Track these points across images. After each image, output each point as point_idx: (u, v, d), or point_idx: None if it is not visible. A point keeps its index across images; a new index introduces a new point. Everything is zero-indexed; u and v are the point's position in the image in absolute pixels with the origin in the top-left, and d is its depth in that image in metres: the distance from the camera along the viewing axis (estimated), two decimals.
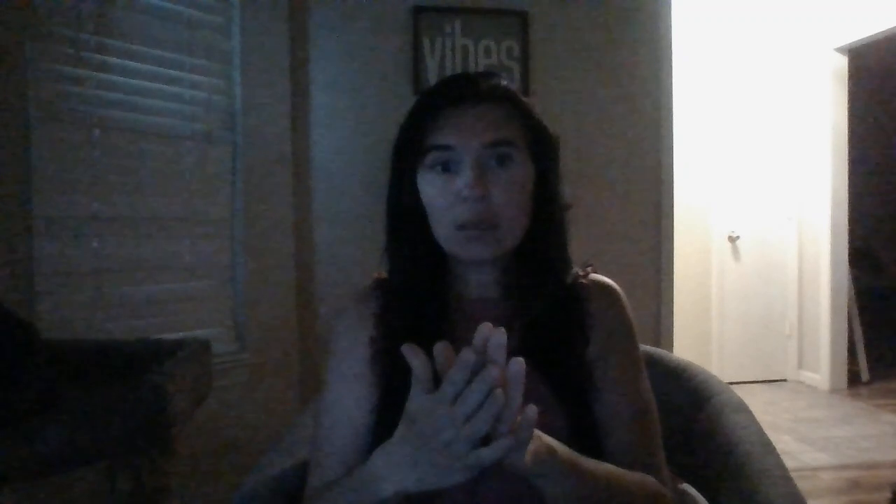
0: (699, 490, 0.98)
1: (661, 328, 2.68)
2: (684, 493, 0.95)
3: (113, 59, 1.82)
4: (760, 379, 4.32)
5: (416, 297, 0.79)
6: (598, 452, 0.73)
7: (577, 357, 0.76)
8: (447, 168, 0.75)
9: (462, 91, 0.76)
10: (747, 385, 4.19)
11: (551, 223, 0.79)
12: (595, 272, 0.85)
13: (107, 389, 1.22)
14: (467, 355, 0.55)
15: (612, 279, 0.85)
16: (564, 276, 0.81)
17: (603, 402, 0.76)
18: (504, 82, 0.79)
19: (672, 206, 2.68)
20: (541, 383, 0.73)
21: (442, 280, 0.81)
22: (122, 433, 1.17)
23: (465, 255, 0.76)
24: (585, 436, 0.72)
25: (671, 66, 2.68)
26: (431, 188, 0.75)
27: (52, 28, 1.69)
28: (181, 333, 1.88)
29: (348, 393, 0.77)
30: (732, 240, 4.27)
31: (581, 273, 0.83)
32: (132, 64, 1.87)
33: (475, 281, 0.80)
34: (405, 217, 0.78)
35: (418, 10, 2.43)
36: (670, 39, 2.69)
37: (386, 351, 0.77)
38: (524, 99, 0.80)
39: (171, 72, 1.96)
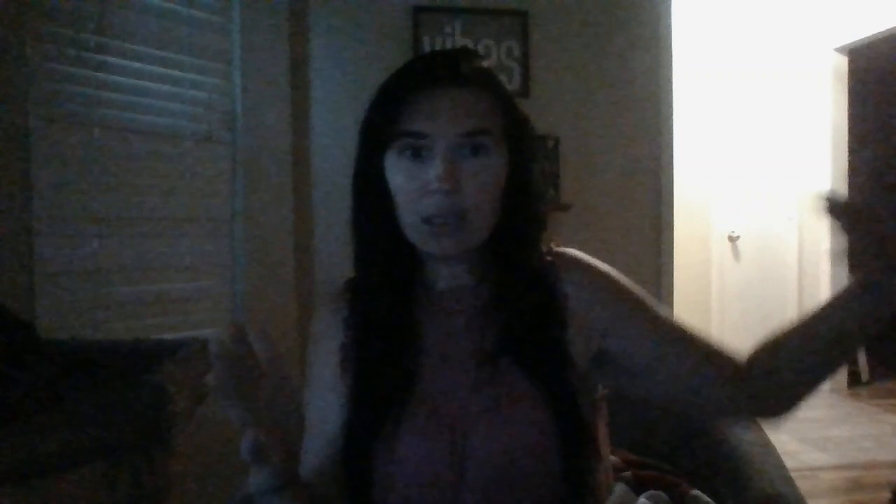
0: (699, 490, 0.98)
1: None
2: (697, 499, 0.95)
3: (113, 59, 1.82)
4: None
5: (382, 290, 0.75)
6: (583, 445, 0.71)
7: (556, 344, 0.73)
8: (417, 154, 0.70)
9: (439, 73, 0.71)
10: None
11: (525, 216, 0.75)
12: (557, 246, 0.81)
13: (107, 389, 1.22)
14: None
15: None
16: (533, 262, 0.77)
17: (643, 351, 0.75)
18: (485, 63, 0.75)
19: (672, 206, 2.68)
20: (521, 379, 0.71)
21: (410, 270, 0.77)
22: (122, 433, 1.17)
23: (431, 249, 0.72)
24: (571, 427, 0.70)
25: (671, 66, 2.68)
26: (399, 174, 0.71)
27: (52, 28, 1.69)
28: (181, 333, 1.88)
29: (320, 401, 0.76)
30: (732, 239, 4.26)
31: (545, 251, 0.80)
32: (132, 64, 1.87)
33: (445, 272, 0.77)
34: (371, 201, 0.74)
35: (418, 10, 2.43)
36: (670, 39, 2.69)
37: (356, 354, 0.75)
38: (503, 84, 0.76)
39: (171, 72, 1.96)
